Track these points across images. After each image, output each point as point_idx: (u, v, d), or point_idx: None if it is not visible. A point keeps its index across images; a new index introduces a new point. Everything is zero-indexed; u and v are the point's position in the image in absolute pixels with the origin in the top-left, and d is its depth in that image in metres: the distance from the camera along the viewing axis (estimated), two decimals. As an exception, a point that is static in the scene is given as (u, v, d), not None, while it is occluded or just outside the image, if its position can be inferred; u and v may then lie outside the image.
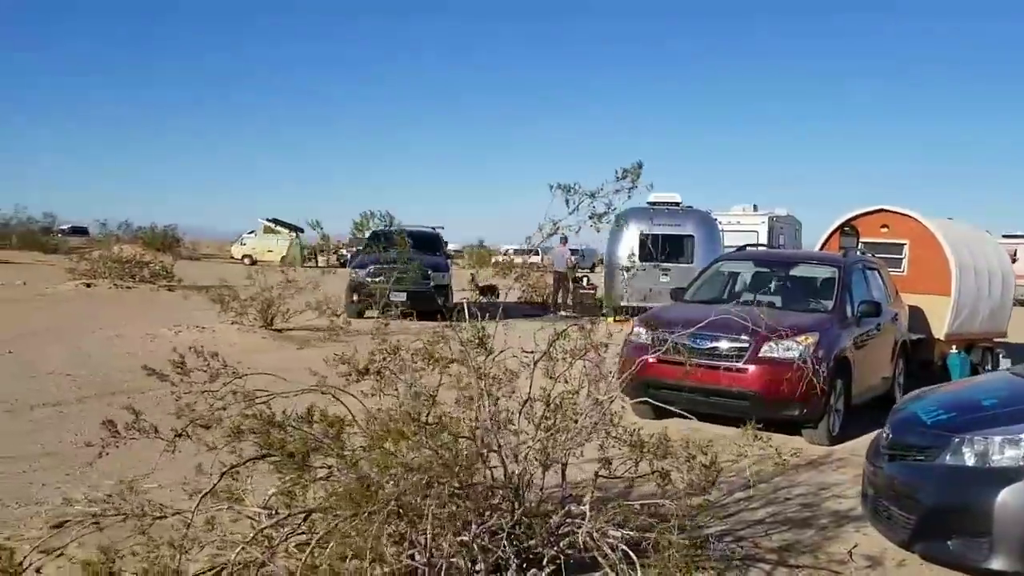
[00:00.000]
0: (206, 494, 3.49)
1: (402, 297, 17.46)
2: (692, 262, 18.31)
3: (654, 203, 19.48)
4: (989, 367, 12.38)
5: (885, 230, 12.24)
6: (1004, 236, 36.54)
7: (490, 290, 21.78)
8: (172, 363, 3.79)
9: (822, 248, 12.67)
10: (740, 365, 7.74)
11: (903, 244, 12.10)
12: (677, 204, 19.29)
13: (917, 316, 11.19)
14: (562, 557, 3.88)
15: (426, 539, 3.30)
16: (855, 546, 5.15)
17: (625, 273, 18.63)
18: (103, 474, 6.11)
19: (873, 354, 8.97)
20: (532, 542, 3.70)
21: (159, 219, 50.67)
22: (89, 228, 47.21)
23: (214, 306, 16.08)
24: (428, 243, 19.36)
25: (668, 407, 5.84)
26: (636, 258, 18.49)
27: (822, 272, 9.20)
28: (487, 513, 3.62)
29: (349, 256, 46.30)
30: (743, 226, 24.32)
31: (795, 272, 9.42)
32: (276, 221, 46.25)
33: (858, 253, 10.85)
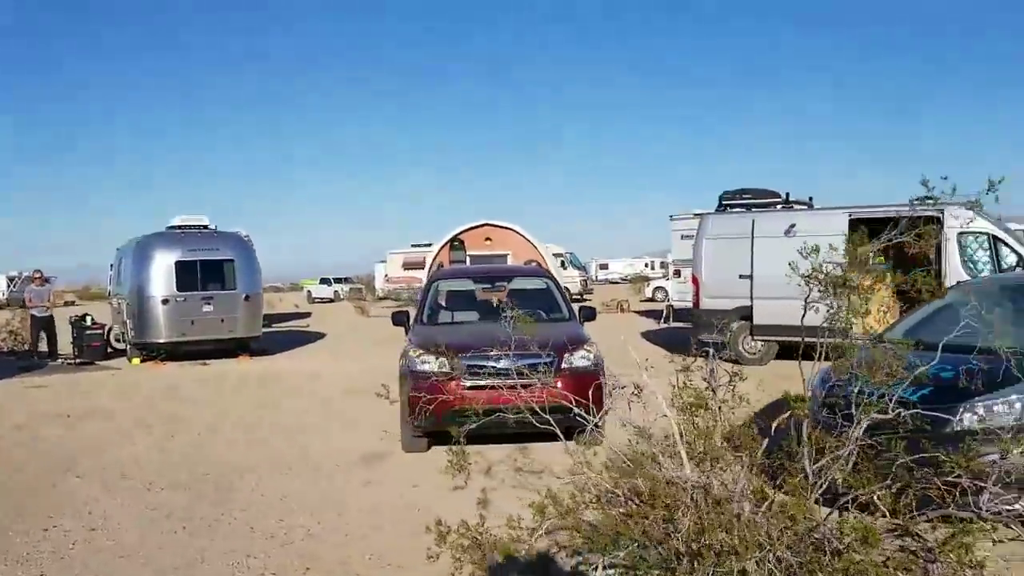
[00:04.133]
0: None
1: None
2: (236, 288, 17.22)
3: (180, 227, 17.72)
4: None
5: (489, 242, 13.43)
6: (412, 245, 41.68)
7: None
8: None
9: (433, 261, 13.29)
10: (551, 379, 7.90)
11: (506, 254, 13.44)
12: (206, 227, 17.82)
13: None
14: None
15: None
16: None
17: (163, 305, 16.62)
18: None
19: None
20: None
21: None
22: None
23: None
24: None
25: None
26: (173, 288, 16.62)
27: (536, 283, 9.87)
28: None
29: None
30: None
31: (515, 285, 9.90)
32: None
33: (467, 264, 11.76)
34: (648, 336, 20.38)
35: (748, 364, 12.29)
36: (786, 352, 14.29)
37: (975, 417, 5.16)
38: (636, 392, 4.42)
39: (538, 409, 6.09)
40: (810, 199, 15.74)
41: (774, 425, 3.97)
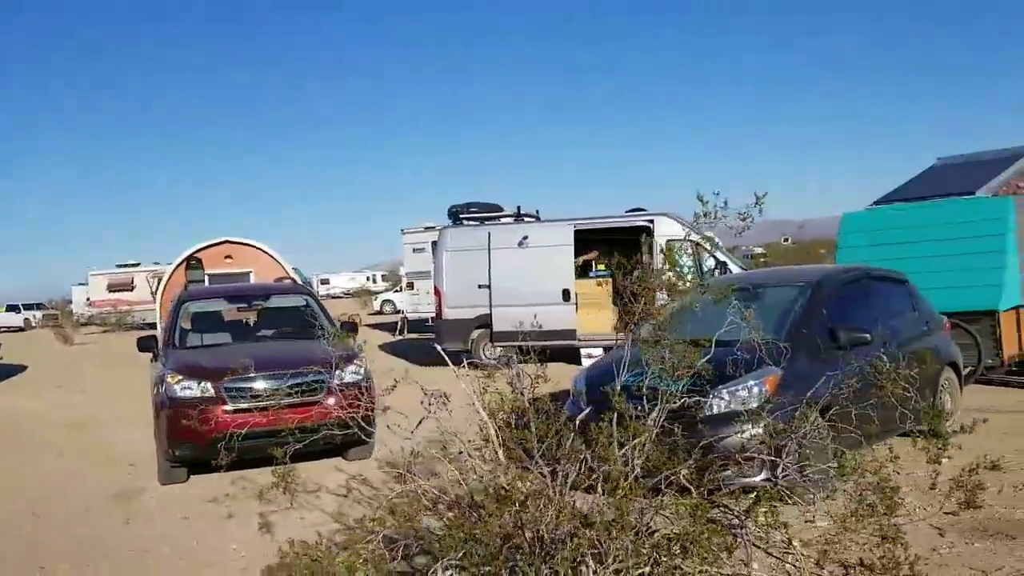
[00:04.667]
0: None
1: None
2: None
3: None
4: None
5: (230, 260, 12.90)
6: (118, 265, 38.63)
7: None
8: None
9: (168, 282, 12.54)
10: (324, 396, 7.81)
11: (249, 272, 13.01)
12: None
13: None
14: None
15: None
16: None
17: None
18: None
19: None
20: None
21: None
22: None
23: None
24: None
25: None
26: None
27: (295, 300, 9.64)
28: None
29: None
30: None
31: (272, 304, 9.58)
32: None
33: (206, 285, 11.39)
34: (386, 348, 20.53)
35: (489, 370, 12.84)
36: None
37: (722, 402, 5.92)
38: (444, 398, 4.58)
39: (346, 424, 5.96)
40: (537, 212, 16.82)
41: (578, 420, 4.35)
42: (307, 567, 3.24)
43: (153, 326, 34.39)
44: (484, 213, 16.32)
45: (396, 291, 39.27)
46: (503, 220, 16.13)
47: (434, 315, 16.32)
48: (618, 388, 3.95)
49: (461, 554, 3.58)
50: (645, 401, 4.30)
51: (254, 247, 13.24)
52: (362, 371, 8.17)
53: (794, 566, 3.43)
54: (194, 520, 6.82)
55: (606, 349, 13.65)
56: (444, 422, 4.56)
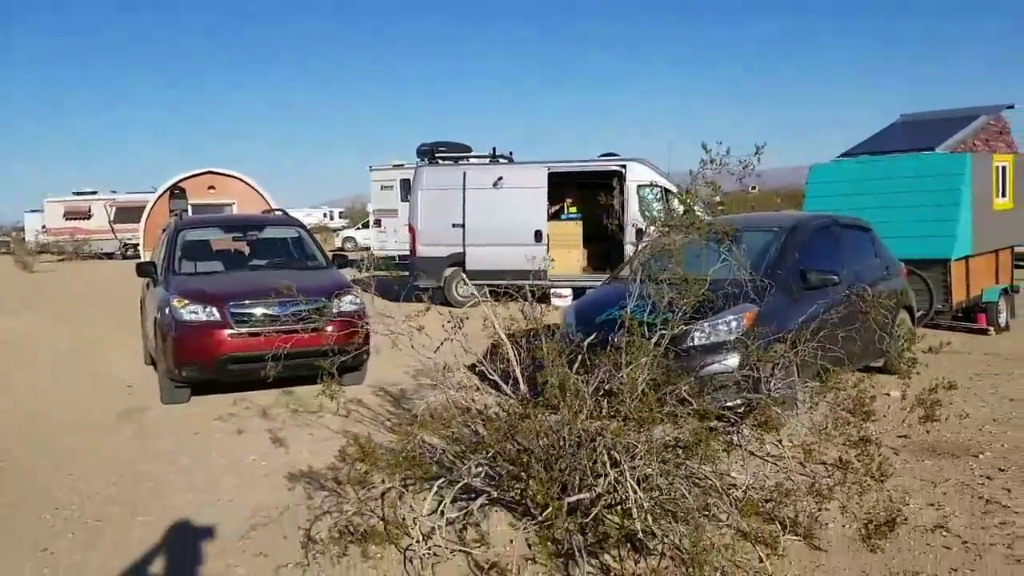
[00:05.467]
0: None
1: None
2: None
3: None
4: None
5: (213, 190, 13.08)
6: (74, 193, 38.01)
7: None
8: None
9: (151, 210, 12.69)
10: (324, 323, 8.12)
11: (232, 204, 13.21)
12: None
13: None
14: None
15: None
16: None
17: None
18: None
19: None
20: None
21: None
22: None
23: None
24: None
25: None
26: None
27: (287, 232, 9.94)
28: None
29: None
30: None
31: (265, 235, 9.86)
32: None
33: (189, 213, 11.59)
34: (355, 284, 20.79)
35: (460, 307, 13.12)
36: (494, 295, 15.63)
37: (703, 335, 6.49)
38: (459, 323, 5.03)
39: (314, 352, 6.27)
40: (510, 154, 17.14)
41: (586, 344, 4.86)
42: (372, 453, 3.71)
43: (111, 256, 34.23)
44: (454, 153, 16.59)
45: (359, 228, 39.32)
46: (477, 160, 16.43)
47: (408, 252, 16.66)
48: (628, 314, 4.45)
49: (491, 455, 4.09)
50: (647, 329, 4.83)
51: (237, 178, 13.40)
52: (358, 301, 8.56)
53: (781, 467, 4.00)
54: (205, 436, 7.22)
55: (574, 290, 14.18)
56: (461, 344, 5.04)
